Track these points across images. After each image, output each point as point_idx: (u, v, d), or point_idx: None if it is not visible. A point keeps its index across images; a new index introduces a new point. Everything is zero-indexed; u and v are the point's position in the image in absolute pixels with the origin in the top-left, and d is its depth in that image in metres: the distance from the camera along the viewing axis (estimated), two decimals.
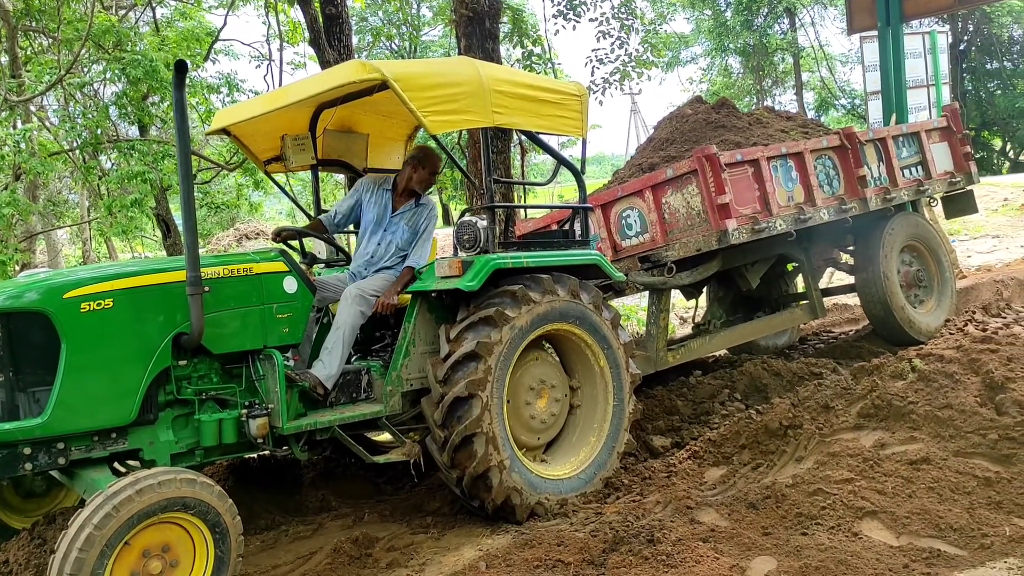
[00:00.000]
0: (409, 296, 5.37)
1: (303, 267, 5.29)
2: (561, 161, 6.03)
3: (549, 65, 15.09)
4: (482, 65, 5.21)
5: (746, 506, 4.84)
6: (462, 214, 5.72)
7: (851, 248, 8.88)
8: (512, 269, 5.26)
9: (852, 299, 10.49)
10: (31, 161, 12.06)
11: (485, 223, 5.26)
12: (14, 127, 12.62)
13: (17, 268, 12.33)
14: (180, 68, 4.22)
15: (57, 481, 4.96)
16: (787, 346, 9.54)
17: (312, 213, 6.38)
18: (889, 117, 11.37)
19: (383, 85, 4.73)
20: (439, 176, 5.80)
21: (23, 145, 12.13)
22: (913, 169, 8.87)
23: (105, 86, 14.94)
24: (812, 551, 4.15)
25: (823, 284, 9.73)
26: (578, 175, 6.05)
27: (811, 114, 35.73)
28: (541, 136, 5.96)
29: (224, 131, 5.74)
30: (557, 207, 8.28)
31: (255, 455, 5.83)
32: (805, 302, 8.70)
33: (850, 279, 9.05)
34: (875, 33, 13.22)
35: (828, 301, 10.36)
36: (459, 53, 9.49)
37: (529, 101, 5.39)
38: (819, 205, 7.65)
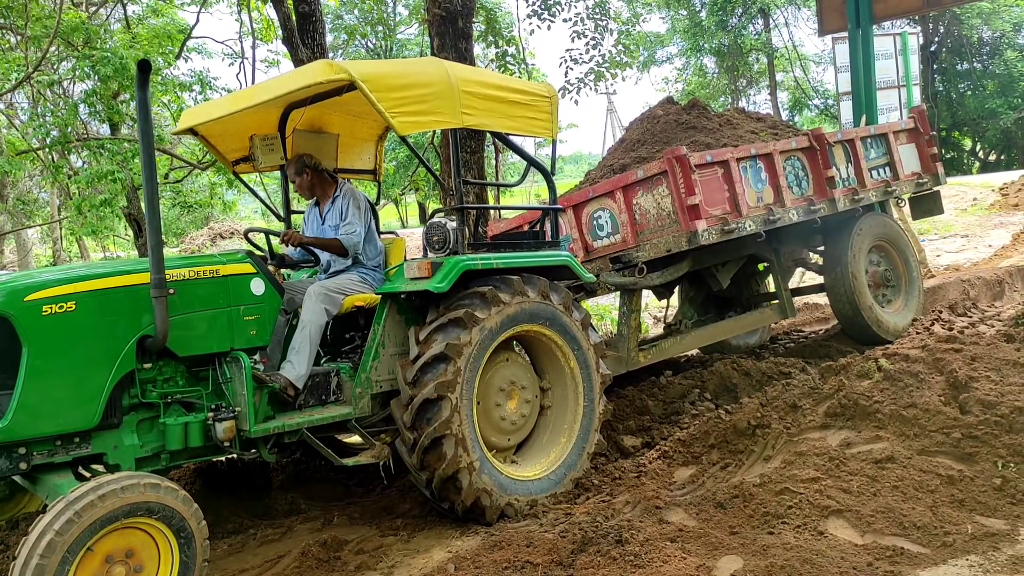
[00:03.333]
0: (379, 297, 5.36)
1: (271, 269, 5.26)
2: (531, 162, 6.04)
3: (523, 65, 15.09)
4: (451, 66, 5.21)
5: (714, 506, 4.88)
6: (431, 215, 5.71)
7: (820, 248, 8.96)
8: (482, 270, 5.26)
9: (822, 298, 10.59)
10: None
11: (455, 224, 5.26)
12: None
13: None
14: (144, 68, 4.17)
15: (20, 486, 4.88)
16: (758, 345, 9.60)
17: (282, 214, 6.34)
18: (859, 118, 11.49)
19: (352, 85, 4.71)
20: (329, 159, 5.79)
21: None
22: (881, 170, 8.97)
23: (75, 84, 14.75)
24: (778, 550, 4.18)
25: (793, 284, 9.81)
26: (548, 176, 6.06)
27: (785, 114, 36.06)
28: (512, 137, 5.97)
29: (191, 131, 5.68)
30: (527, 208, 8.28)
31: (222, 458, 5.79)
32: (775, 302, 8.76)
33: (819, 279, 9.13)
34: (846, 34, 13.34)
35: (798, 301, 10.46)
36: (432, 53, 9.46)
37: (498, 102, 5.39)
38: (788, 206, 7.71)
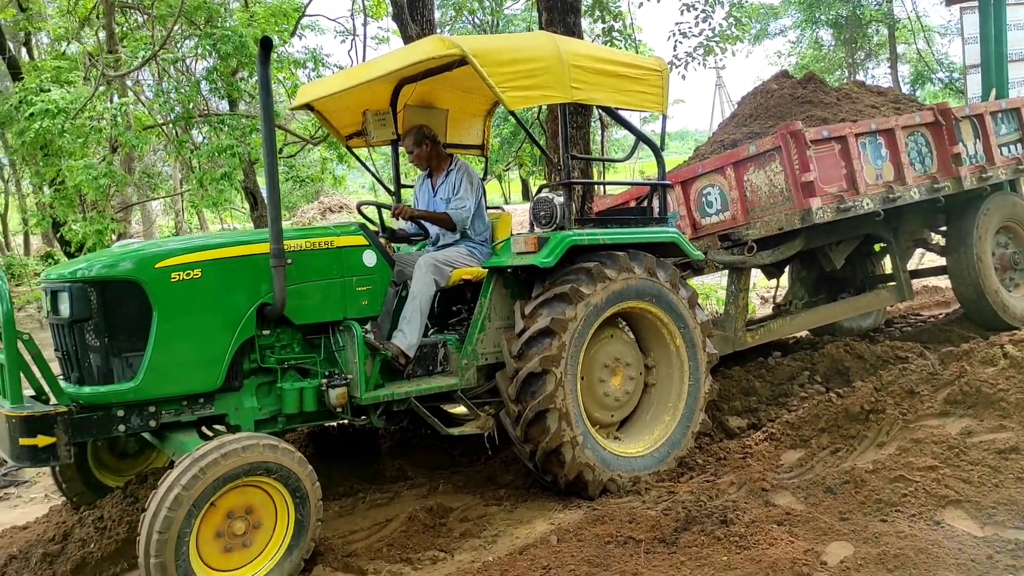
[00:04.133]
0: (485, 271, 5.41)
1: (382, 241, 5.38)
2: (640, 137, 5.96)
3: (631, 40, 14.87)
4: (561, 40, 5.17)
5: (823, 490, 4.76)
6: (539, 190, 5.72)
7: (943, 228, 8.57)
8: (588, 246, 5.24)
9: (943, 281, 10.13)
10: (126, 134, 12.48)
11: (562, 199, 5.25)
12: (111, 101, 13.08)
13: (113, 237, 12.84)
14: (265, 45, 4.31)
15: (149, 442, 5.19)
16: (872, 328, 9.27)
17: (392, 188, 6.47)
18: (988, 92, 10.86)
19: (462, 60, 4.75)
20: (439, 134, 5.88)
21: (119, 119, 12.57)
22: (1012, 147, 8.47)
23: (196, 61, 15.34)
24: (891, 538, 4.06)
25: (912, 265, 9.42)
26: (657, 151, 5.98)
27: (906, 88, 34.37)
28: (621, 112, 5.90)
29: (307, 106, 5.85)
30: (635, 184, 8.19)
31: (334, 424, 5.98)
32: (892, 284, 8.44)
33: (941, 260, 8.73)
34: (975, 4, 12.60)
35: (917, 283, 10.03)
36: (540, 27, 9.43)
37: (608, 76, 5.33)
38: (909, 184, 7.39)
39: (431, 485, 5.68)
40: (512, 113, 4.95)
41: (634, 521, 4.58)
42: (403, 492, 5.60)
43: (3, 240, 28.83)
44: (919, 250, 9.57)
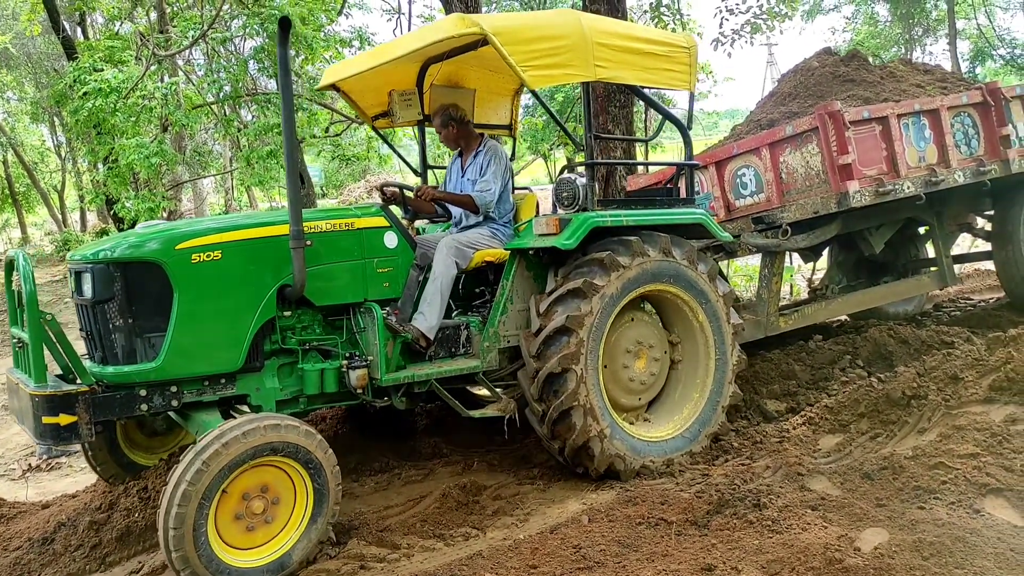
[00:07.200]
0: (508, 252, 5.37)
1: (404, 223, 5.37)
2: (666, 116, 5.84)
3: (678, 16, 14.59)
4: (585, 17, 5.07)
5: (860, 476, 4.66)
6: (561, 171, 5.64)
7: (989, 213, 8.26)
8: (612, 227, 5.16)
9: (993, 265, 9.82)
10: (177, 113, 12.68)
11: (584, 180, 5.18)
12: (161, 81, 13.27)
13: (164, 215, 13.09)
14: (284, 25, 4.31)
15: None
16: (915, 313, 9.02)
17: (419, 169, 6.44)
18: None
19: (487, 40, 4.68)
20: (466, 114, 5.82)
21: (169, 98, 12.75)
22: None
23: (245, 41, 15.47)
24: (928, 526, 3.96)
25: (962, 249, 9.11)
26: (684, 130, 5.85)
27: (965, 65, 33.14)
28: (647, 90, 5.78)
29: (333, 87, 5.84)
30: (661, 164, 8.03)
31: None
32: (934, 269, 8.16)
33: (988, 245, 8.44)
34: None
35: (968, 267, 9.73)
36: (584, 5, 9.26)
37: (634, 54, 5.21)
38: (954, 167, 7.11)
39: (465, 463, 5.71)
40: (534, 92, 4.87)
41: (666, 503, 4.55)
42: (438, 469, 5.64)
43: (61, 216, 29.64)
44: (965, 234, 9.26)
